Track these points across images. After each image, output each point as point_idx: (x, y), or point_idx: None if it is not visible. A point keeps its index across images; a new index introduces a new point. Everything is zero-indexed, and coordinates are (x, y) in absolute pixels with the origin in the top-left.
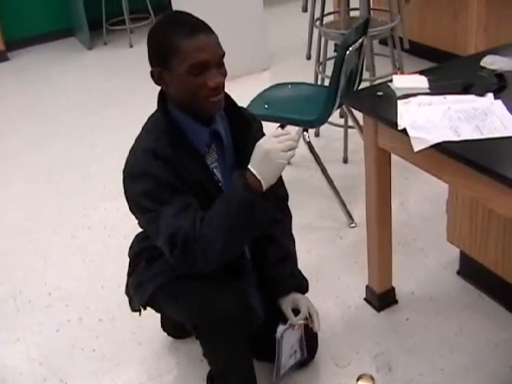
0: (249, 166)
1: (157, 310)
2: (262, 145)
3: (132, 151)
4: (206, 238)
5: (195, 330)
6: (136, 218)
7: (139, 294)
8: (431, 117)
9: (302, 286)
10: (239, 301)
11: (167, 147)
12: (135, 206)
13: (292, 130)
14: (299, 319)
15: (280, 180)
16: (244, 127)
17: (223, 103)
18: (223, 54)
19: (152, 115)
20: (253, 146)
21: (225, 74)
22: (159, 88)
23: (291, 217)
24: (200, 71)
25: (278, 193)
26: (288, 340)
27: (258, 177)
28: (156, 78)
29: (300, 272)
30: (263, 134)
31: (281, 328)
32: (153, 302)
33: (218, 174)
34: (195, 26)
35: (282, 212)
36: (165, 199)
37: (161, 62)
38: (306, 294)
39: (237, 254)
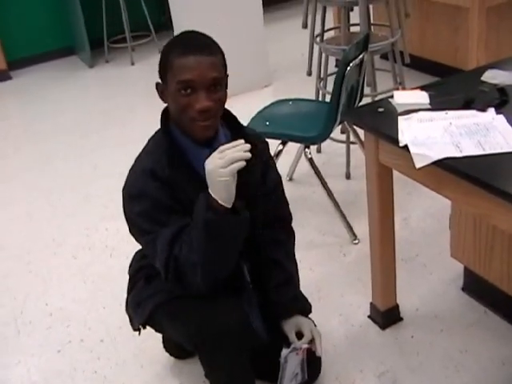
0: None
1: (156, 330)
2: (205, 164)
3: (131, 171)
4: (187, 262)
5: (196, 348)
6: (134, 238)
7: (139, 312)
8: (433, 133)
9: (305, 308)
10: (239, 317)
11: (166, 168)
12: (133, 227)
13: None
14: (303, 343)
15: (284, 201)
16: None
17: (213, 130)
18: (218, 78)
19: (154, 135)
20: (257, 168)
21: (220, 101)
22: (160, 106)
23: (294, 238)
24: (188, 91)
25: (282, 214)
26: (291, 363)
27: (214, 196)
28: (160, 92)
29: (302, 295)
30: (269, 155)
31: (284, 352)
32: (152, 321)
33: None
34: (192, 46)
35: (285, 233)
36: (162, 220)
37: (162, 77)
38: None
39: (226, 273)
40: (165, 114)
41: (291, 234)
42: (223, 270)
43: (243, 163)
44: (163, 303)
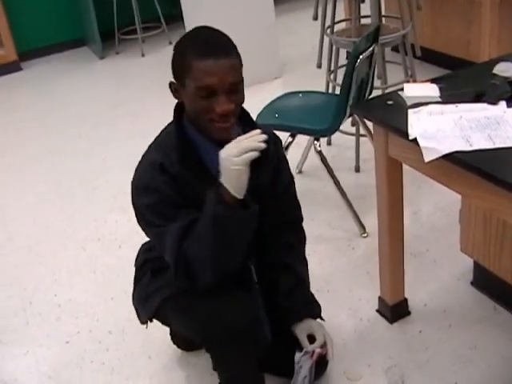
0: (220, 178)
1: (164, 323)
2: (220, 152)
3: (140, 163)
4: (197, 257)
5: (204, 343)
6: (142, 229)
7: (146, 306)
8: (442, 126)
9: (315, 312)
10: (249, 313)
11: (176, 164)
12: (142, 218)
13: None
14: (315, 347)
15: (295, 202)
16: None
17: (231, 131)
18: (238, 81)
19: (165, 128)
20: (269, 168)
21: (239, 102)
22: (171, 99)
23: (305, 239)
24: (207, 95)
25: (293, 216)
26: (304, 367)
27: (226, 186)
28: (173, 90)
29: (313, 297)
30: (283, 154)
31: (298, 356)
32: (160, 315)
33: None
34: (210, 48)
35: (296, 236)
36: (170, 215)
37: (177, 77)
38: None
39: (235, 267)
40: (178, 108)
41: (302, 237)
42: (232, 265)
43: (257, 153)
44: (170, 297)
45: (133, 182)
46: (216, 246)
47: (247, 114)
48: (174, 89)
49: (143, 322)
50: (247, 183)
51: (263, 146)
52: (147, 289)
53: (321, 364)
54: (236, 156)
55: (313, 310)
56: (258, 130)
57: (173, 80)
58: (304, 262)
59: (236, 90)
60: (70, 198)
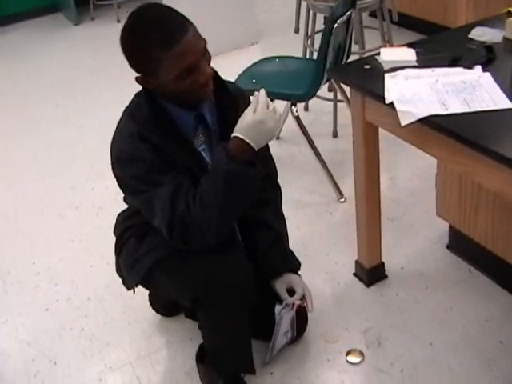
0: (234, 134)
1: (152, 287)
2: (249, 114)
3: (117, 135)
4: (201, 218)
5: (196, 303)
6: (129, 199)
7: (135, 271)
8: (419, 90)
9: (294, 266)
10: (242, 268)
11: (152, 132)
12: (127, 189)
13: (281, 104)
14: (295, 299)
15: (269, 156)
16: (230, 105)
17: (212, 87)
18: (204, 44)
19: (135, 97)
20: None
21: (210, 59)
22: None
23: (281, 194)
24: (188, 73)
25: (267, 169)
26: (285, 320)
27: (247, 139)
28: (142, 83)
29: (291, 252)
30: None
31: (278, 308)
32: (150, 278)
33: (207, 157)
34: (170, 32)
35: (271, 190)
36: (156, 180)
37: (144, 71)
38: None
39: (230, 228)
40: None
41: (278, 191)
42: (232, 224)
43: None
44: (162, 258)
45: (113, 154)
46: (224, 205)
47: (216, 74)
48: (143, 81)
49: (130, 287)
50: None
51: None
52: (134, 254)
53: (301, 321)
54: (266, 113)
55: (292, 264)
56: (263, 90)
57: (137, 75)
58: (281, 217)
59: (206, 51)
60: (46, 167)
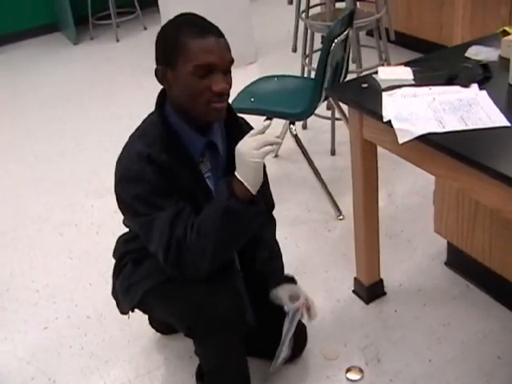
0: (235, 172)
1: (147, 312)
2: (237, 147)
3: (125, 154)
4: (195, 246)
5: (189, 332)
6: (127, 221)
7: (129, 297)
8: (416, 108)
9: (293, 278)
10: (235, 300)
11: (162, 153)
12: (128, 210)
13: (279, 123)
14: (301, 302)
15: (267, 189)
16: (240, 138)
17: (225, 113)
18: (232, 61)
19: (148, 117)
20: None
21: (231, 83)
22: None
23: (275, 225)
24: (205, 74)
25: (267, 204)
26: (294, 323)
27: (242, 180)
28: (160, 76)
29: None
30: None
31: (287, 309)
32: (143, 305)
33: (211, 184)
34: (206, 28)
35: (268, 219)
36: (158, 204)
37: (166, 61)
38: None
39: (227, 260)
40: (160, 97)
41: (273, 221)
42: (228, 257)
43: (275, 147)
44: (155, 286)
45: (118, 173)
46: (220, 238)
47: (230, 108)
48: (161, 74)
49: (124, 312)
50: (262, 176)
51: (280, 141)
52: (129, 279)
53: (300, 340)
54: (256, 149)
55: (290, 278)
56: (268, 122)
57: (158, 66)
58: (276, 242)
59: (230, 70)
60: (44, 183)
